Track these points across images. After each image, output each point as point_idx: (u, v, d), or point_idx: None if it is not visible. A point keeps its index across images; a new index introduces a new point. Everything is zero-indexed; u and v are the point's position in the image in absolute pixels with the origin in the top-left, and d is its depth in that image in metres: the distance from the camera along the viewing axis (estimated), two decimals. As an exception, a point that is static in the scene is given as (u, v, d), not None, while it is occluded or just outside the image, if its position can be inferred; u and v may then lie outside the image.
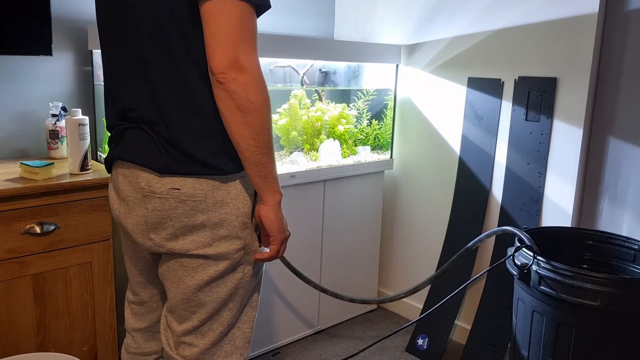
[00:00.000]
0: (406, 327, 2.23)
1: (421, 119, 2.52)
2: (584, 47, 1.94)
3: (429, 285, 2.39)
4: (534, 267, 1.62)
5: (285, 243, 1.19)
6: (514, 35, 2.13)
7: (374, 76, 2.64)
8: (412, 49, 2.52)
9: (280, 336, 2.34)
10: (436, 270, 2.43)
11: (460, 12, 2.29)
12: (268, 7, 1.07)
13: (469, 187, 2.33)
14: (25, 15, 1.83)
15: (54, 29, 1.96)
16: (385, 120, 2.62)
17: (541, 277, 1.59)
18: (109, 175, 1.27)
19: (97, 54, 2.09)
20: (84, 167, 1.76)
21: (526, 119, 2.11)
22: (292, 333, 2.39)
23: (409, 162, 2.60)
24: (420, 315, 2.36)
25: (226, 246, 1.14)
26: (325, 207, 2.38)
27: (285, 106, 2.36)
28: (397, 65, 2.53)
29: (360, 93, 2.65)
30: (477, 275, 1.96)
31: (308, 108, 2.40)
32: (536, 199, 2.10)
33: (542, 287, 1.60)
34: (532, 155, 2.10)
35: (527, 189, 2.13)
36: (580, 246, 1.90)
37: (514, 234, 1.81)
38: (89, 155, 1.79)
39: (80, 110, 1.81)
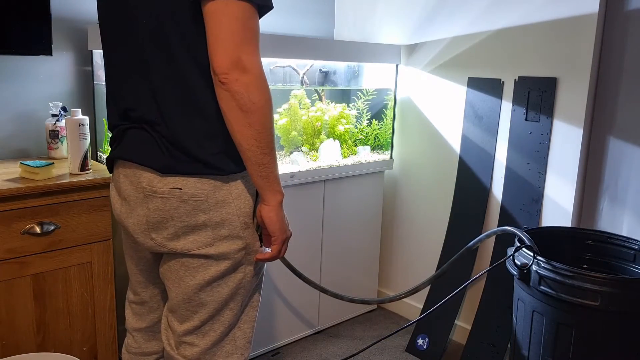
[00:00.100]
0: (406, 327, 2.23)
1: (421, 119, 2.52)
2: (584, 47, 1.94)
3: (429, 285, 2.39)
4: (534, 267, 1.62)
5: (286, 243, 1.19)
6: (514, 35, 2.13)
7: (374, 76, 2.64)
8: (412, 49, 2.52)
9: (280, 336, 2.34)
10: (436, 270, 2.43)
11: (460, 12, 2.29)
12: (270, 7, 1.07)
13: (469, 187, 2.33)
14: (25, 15, 1.82)
15: (54, 29, 1.96)
16: (385, 120, 2.62)
17: (541, 277, 1.60)
18: (109, 175, 1.27)
19: (97, 54, 2.09)
20: (84, 167, 1.76)
21: (526, 119, 2.11)
22: (292, 333, 2.39)
23: (409, 162, 2.60)
24: (420, 315, 2.36)
25: (227, 246, 1.14)
26: (325, 207, 2.38)
27: (285, 106, 2.36)
28: (397, 65, 2.53)
29: (360, 93, 2.65)
30: (477, 275, 1.96)
31: (308, 108, 2.40)
32: (536, 199, 2.11)
33: (542, 287, 1.60)
34: (532, 155, 2.10)
35: (527, 189, 2.13)
36: (580, 246, 1.91)
37: (514, 234, 1.81)
38: (89, 155, 1.78)
39: (80, 110, 1.81)
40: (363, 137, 2.62)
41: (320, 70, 2.48)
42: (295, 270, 2.14)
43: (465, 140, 2.34)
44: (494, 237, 2.23)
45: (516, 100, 2.13)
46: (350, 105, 2.66)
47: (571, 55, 1.97)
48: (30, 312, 1.67)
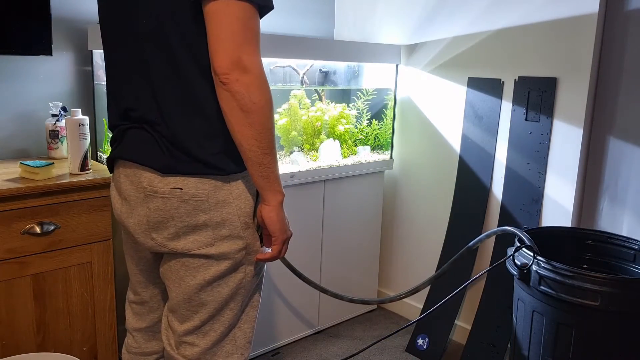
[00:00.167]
0: (406, 327, 2.23)
1: (421, 119, 2.52)
2: (584, 47, 1.94)
3: (429, 286, 2.39)
4: (534, 267, 1.62)
5: (287, 243, 1.19)
6: (514, 35, 2.13)
7: (374, 76, 2.64)
8: (412, 49, 2.52)
9: (280, 336, 2.34)
10: (436, 270, 2.43)
11: (460, 12, 2.29)
12: (271, 8, 1.07)
13: (469, 187, 2.33)
14: (25, 15, 1.82)
15: (54, 29, 1.96)
16: (385, 120, 2.62)
17: (541, 277, 1.60)
18: (110, 175, 1.27)
19: (97, 54, 2.09)
20: (84, 167, 1.76)
21: (526, 119, 2.11)
22: (292, 333, 2.39)
23: (409, 162, 2.60)
24: (420, 315, 2.36)
25: (228, 246, 1.14)
26: (325, 207, 2.38)
27: (285, 106, 2.36)
28: (397, 65, 2.53)
29: (360, 93, 2.65)
30: (477, 275, 1.96)
31: (308, 108, 2.40)
32: (536, 199, 2.11)
33: (542, 287, 1.60)
34: (532, 155, 2.10)
35: (527, 189, 2.13)
36: (580, 246, 1.91)
37: (514, 234, 1.81)
38: (89, 155, 1.78)
39: (80, 110, 1.81)
40: (363, 137, 2.62)
41: (320, 70, 2.49)
42: (295, 270, 2.14)
43: (465, 140, 2.34)
44: (494, 237, 2.24)
45: (516, 100, 2.13)
46: (350, 105, 2.66)
47: (571, 55, 1.97)
48: (30, 312, 1.67)
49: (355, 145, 2.55)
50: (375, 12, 2.66)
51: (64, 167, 1.84)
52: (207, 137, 1.10)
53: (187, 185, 1.11)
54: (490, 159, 2.25)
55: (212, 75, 1.04)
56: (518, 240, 1.77)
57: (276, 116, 2.34)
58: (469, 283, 1.98)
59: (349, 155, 2.47)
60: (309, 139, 2.39)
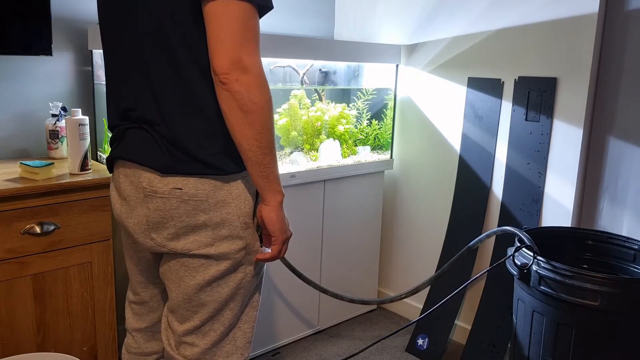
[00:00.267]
0: (406, 327, 2.24)
1: (421, 119, 2.52)
2: (584, 47, 1.94)
3: (429, 286, 2.39)
4: (534, 267, 1.62)
5: (286, 243, 1.19)
6: (514, 35, 2.13)
7: (374, 76, 2.64)
8: (412, 49, 2.52)
9: (280, 336, 2.34)
10: (436, 270, 2.43)
11: (460, 12, 2.29)
12: (270, 7, 1.07)
13: (469, 187, 2.33)
14: (25, 15, 1.82)
15: (54, 29, 1.96)
16: (385, 120, 2.62)
17: (541, 277, 1.60)
18: (109, 175, 1.27)
19: (97, 54, 2.09)
20: (84, 167, 1.76)
21: (526, 119, 2.11)
22: (292, 333, 2.39)
23: (409, 162, 2.60)
24: (420, 315, 2.36)
25: (228, 246, 1.14)
26: (325, 207, 2.38)
27: (285, 106, 2.36)
28: (397, 65, 2.53)
29: (359, 93, 2.65)
30: (477, 275, 1.96)
31: (308, 108, 2.40)
32: (536, 198, 2.11)
33: (542, 287, 1.60)
34: (532, 155, 2.10)
35: (527, 189, 2.13)
36: (580, 246, 1.91)
37: (514, 234, 1.81)
38: (89, 155, 1.78)
39: (80, 110, 1.81)
40: (363, 137, 2.62)
41: (320, 70, 2.49)
42: (295, 270, 2.13)
43: (465, 140, 2.34)
44: (494, 237, 2.23)
45: (516, 100, 2.13)
46: (350, 105, 2.66)
47: (571, 55, 1.97)
48: (30, 312, 1.67)
49: (355, 145, 2.55)
50: (375, 12, 2.66)
51: (64, 167, 1.84)
52: (207, 137, 1.10)
53: (186, 185, 1.11)
54: (490, 159, 2.25)
55: (212, 75, 1.04)
56: (518, 240, 1.77)
57: (276, 116, 2.34)
58: (469, 283, 1.98)
59: (349, 155, 2.47)
60: (309, 139, 2.39)
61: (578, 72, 1.96)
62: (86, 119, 1.77)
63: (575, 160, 2.00)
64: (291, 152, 2.35)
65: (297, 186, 2.23)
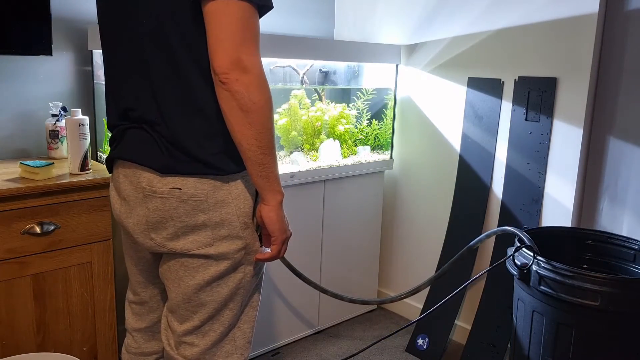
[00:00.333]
0: (406, 327, 2.24)
1: (421, 119, 2.52)
2: (584, 47, 1.94)
3: (429, 286, 2.39)
4: (534, 267, 1.62)
5: (286, 243, 1.19)
6: (514, 35, 2.13)
7: (373, 76, 2.64)
8: (412, 49, 2.52)
9: (280, 336, 2.34)
10: (436, 270, 2.43)
11: (461, 12, 2.29)
12: (270, 7, 1.07)
13: (469, 187, 2.33)
14: (25, 15, 1.82)
15: (54, 29, 1.96)
16: (385, 120, 2.62)
17: (541, 277, 1.59)
18: (109, 175, 1.27)
19: (97, 54, 2.09)
20: (84, 167, 1.76)
21: (526, 119, 2.11)
22: (292, 333, 2.39)
23: (409, 162, 2.60)
24: (420, 315, 2.36)
25: (227, 246, 1.14)
26: (325, 207, 2.38)
27: (285, 106, 2.36)
28: (397, 65, 2.53)
29: (359, 93, 2.65)
30: (477, 275, 1.96)
31: (308, 108, 2.40)
32: (536, 198, 2.11)
33: (542, 287, 1.60)
34: (532, 155, 2.10)
35: (527, 189, 2.13)
36: (580, 246, 1.91)
37: (514, 234, 1.81)
38: (89, 155, 1.78)
39: (80, 110, 1.81)
40: (363, 137, 2.62)
41: (320, 70, 2.49)
42: (295, 270, 2.13)
43: (465, 140, 2.34)
44: (494, 237, 2.23)
45: (516, 100, 2.13)
46: (350, 105, 2.66)
47: (571, 55, 1.97)
48: (30, 312, 1.67)
49: (355, 145, 2.55)
50: (375, 12, 2.66)
51: (64, 167, 1.84)
52: (206, 137, 1.10)
53: (186, 185, 1.11)
54: (490, 159, 2.25)
55: (212, 75, 1.04)
56: (518, 240, 1.77)
57: (276, 116, 2.34)
58: (469, 283, 1.98)
59: (349, 155, 2.47)
60: (309, 139, 2.39)
61: (578, 72, 1.96)
62: (86, 119, 1.77)
63: (575, 160, 2.00)
64: (291, 152, 2.35)
65: (297, 186, 2.23)
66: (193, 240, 1.14)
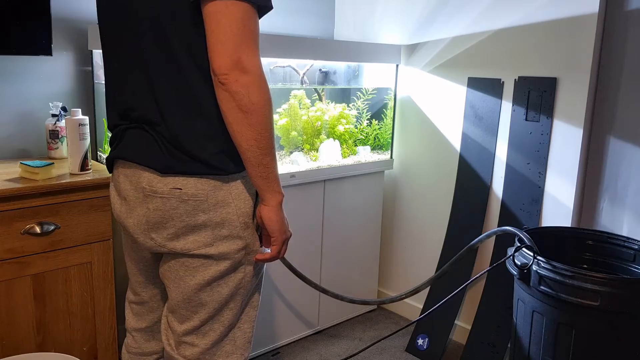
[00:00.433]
0: (406, 327, 2.24)
1: (421, 119, 2.52)
2: (584, 47, 1.94)
3: (429, 286, 2.39)
4: (534, 267, 1.62)
5: (286, 244, 1.19)
6: (514, 35, 2.13)
7: (373, 76, 2.64)
8: (412, 49, 2.52)
9: (280, 336, 2.34)
10: (436, 271, 2.43)
11: (461, 12, 2.29)
12: (270, 8, 1.07)
13: (469, 187, 2.33)
14: (25, 15, 1.82)
15: (54, 29, 1.96)
16: (385, 120, 2.62)
17: (541, 277, 1.60)
18: (109, 175, 1.27)
19: (97, 54, 2.09)
20: (84, 167, 1.76)
21: (526, 119, 2.11)
22: (292, 333, 2.39)
23: (409, 162, 2.60)
24: (420, 315, 2.36)
25: (227, 246, 1.14)
26: (325, 207, 2.38)
27: (285, 106, 2.36)
28: (397, 65, 2.53)
29: (359, 92, 2.65)
30: (477, 275, 1.96)
31: (308, 108, 2.40)
32: (536, 198, 2.11)
33: (542, 287, 1.60)
34: (532, 155, 2.10)
35: (527, 189, 2.13)
36: (580, 246, 1.91)
37: (514, 234, 1.81)
38: (89, 155, 1.78)
39: (80, 110, 1.81)
40: (363, 137, 2.62)
41: (320, 70, 2.48)
42: (295, 270, 2.13)
43: (465, 140, 2.34)
44: (494, 237, 2.23)
45: (516, 100, 2.13)
46: (350, 105, 2.66)
47: (571, 55, 1.97)
48: (30, 312, 1.67)
49: (355, 145, 2.55)
50: (375, 12, 2.66)
51: (64, 167, 1.84)
52: (206, 138, 1.10)
53: (186, 185, 1.11)
54: (490, 159, 2.25)
55: (211, 76, 1.04)
56: (518, 240, 1.77)
57: (276, 116, 2.34)
58: (469, 283, 1.98)
59: (349, 155, 2.47)
60: (309, 139, 2.39)
61: (578, 72, 1.96)
62: (86, 119, 1.77)
63: (575, 160, 2.00)
64: (291, 152, 2.35)
65: (297, 186, 2.23)
66: (193, 240, 1.14)
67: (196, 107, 1.09)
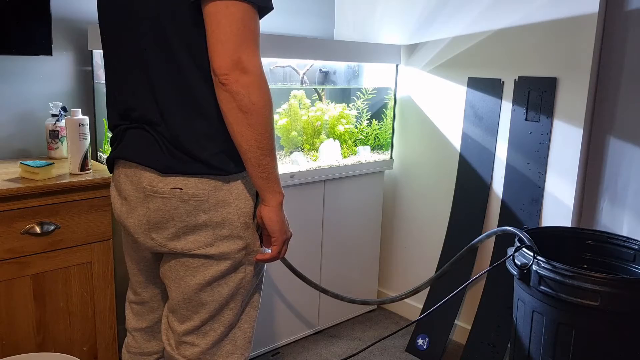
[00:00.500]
0: (406, 327, 2.24)
1: (421, 119, 2.52)
2: (584, 47, 1.94)
3: (429, 286, 2.39)
4: (534, 267, 1.62)
5: (286, 244, 1.19)
6: (514, 35, 2.13)
7: (373, 76, 2.64)
8: (412, 49, 2.52)
9: (280, 336, 2.34)
10: (436, 271, 2.43)
11: (461, 12, 2.29)
12: (270, 8, 1.08)
13: (469, 187, 2.33)
14: (25, 15, 1.82)
15: (54, 29, 1.96)
16: (385, 120, 2.62)
17: (541, 277, 1.60)
18: (110, 175, 1.27)
19: (97, 54, 2.09)
20: (84, 167, 1.76)
21: (526, 119, 2.11)
22: (292, 333, 2.39)
23: (409, 162, 2.60)
24: (420, 315, 2.36)
25: (228, 246, 1.14)
26: (325, 207, 2.38)
27: (285, 106, 2.36)
28: (397, 65, 2.53)
29: (359, 92, 2.65)
30: (477, 275, 1.97)
31: (308, 108, 2.40)
32: (536, 198, 2.11)
33: (542, 287, 1.60)
34: (532, 155, 2.10)
35: (527, 189, 2.13)
36: (580, 246, 1.91)
37: (514, 234, 1.81)
38: (89, 155, 1.78)
39: (80, 110, 1.81)
40: (363, 137, 2.62)
41: (320, 70, 2.48)
42: (295, 270, 2.14)
43: (465, 140, 2.34)
44: (494, 237, 2.24)
45: (516, 100, 2.13)
46: (350, 105, 2.66)
47: (571, 55, 1.97)
48: (30, 312, 1.67)
49: (355, 145, 2.55)
50: (375, 12, 2.66)
51: (64, 167, 1.84)
52: (207, 138, 1.10)
53: (187, 185, 1.11)
54: (490, 159, 2.25)
55: (212, 76, 1.04)
56: (518, 240, 1.77)
57: (276, 116, 2.34)
58: (469, 283, 1.98)
59: (349, 155, 2.47)
60: (309, 139, 2.39)
61: (578, 72, 1.96)
62: (86, 119, 1.77)
63: (575, 160, 2.00)
64: (291, 152, 2.35)
65: (297, 186, 2.23)
66: (194, 240, 1.14)
67: (196, 107, 1.09)
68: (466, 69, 2.31)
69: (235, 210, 1.14)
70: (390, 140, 2.59)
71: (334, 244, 2.46)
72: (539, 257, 1.62)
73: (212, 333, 1.20)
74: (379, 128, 2.63)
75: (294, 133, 2.35)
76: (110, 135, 1.25)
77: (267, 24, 2.53)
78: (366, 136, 2.63)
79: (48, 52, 1.91)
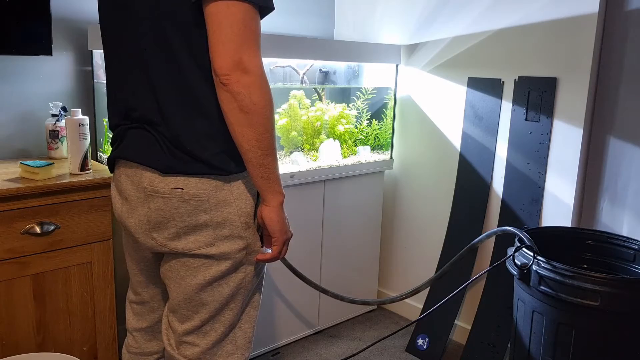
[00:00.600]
0: (406, 327, 2.24)
1: (421, 119, 2.52)
2: (584, 47, 1.94)
3: (429, 286, 2.39)
4: (534, 267, 1.62)
5: (287, 244, 1.19)
6: (514, 35, 2.13)
7: (373, 76, 2.64)
8: (412, 49, 2.52)
9: (280, 336, 2.34)
10: (436, 271, 2.43)
11: (461, 13, 2.30)
12: (272, 8, 1.08)
13: (469, 187, 2.33)
14: (25, 15, 1.82)
15: (54, 29, 1.96)
16: (385, 120, 2.62)
17: (541, 277, 1.60)
18: (110, 175, 1.27)
19: (97, 54, 2.09)
20: (84, 167, 1.76)
21: (526, 119, 2.11)
22: (292, 333, 2.39)
23: (409, 162, 2.60)
24: (420, 315, 2.36)
25: (228, 246, 1.14)
26: (325, 207, 2.38)
27: (285, 106, 2.36)
28: (397, 65, 2.53)
29: (359, 92, 2.65)
30: (477, 275, 1.97)
31: (308, 108, 2.40)
32: (536, 198, 2.11)
33: (542, 287, 1.60)
34: (532, 155, 2.10)
35: (527, 189, 2.13)
36: (580, 246, 1.91)
37: (514, 234, 1.81)
38: (89, 155, 1.78)
39: (80, 110, 1.81)
40: (363, 137, 2.62)
41: (320, 70, 2.49)
42: (295, 270, 2.14)
43: (465, 140, 2.34)
44: (494, 237, 2.24)
45: (516, 100, 2.14)
46: (350, 105, 2.66)
47: (571, 55, 1.97)
48: (30, 312, 1.67)
49: (355, 145, 2.55)
50: (375, 12, 2.66)
51: (64, 167, 1.84)
52: (208, 138, 1.10)
53: (187, 185, 1.11)
54: (490, 159, 2.25)
55: (213, 76, 1.04)
56: (518, 240, 1.77)
57: (276, 116, 2.34)
58: (469, 283, 1.98)
59: (349, 155, 2.47)
60: (309, 139, 2.39)
61: (578, 72, 1.96)
62: (86, 119, 1.77)
63: (575, 160, 2.00)
64: (291, 152, 2.35)
65: (297, 186, 2.23)
66: (194, 240, 1.14)
67: (197, 107, 1.09)
68: (466, 69, 2.31)
69: (235, 210, 1.14)
70: (390, 140, 2.59)
71: (334, 244, 2.46)
72: (539, 257, 1.62)
73: (212, 333, 1.20)
74: (379, 128, 2.63)
75: (294, 133, 2.35)
76: (111, 135, 1.25)
77: (268, 24, 2.52)
78: (366, 136, 2.63)
79: (48, 52, 1.90)
